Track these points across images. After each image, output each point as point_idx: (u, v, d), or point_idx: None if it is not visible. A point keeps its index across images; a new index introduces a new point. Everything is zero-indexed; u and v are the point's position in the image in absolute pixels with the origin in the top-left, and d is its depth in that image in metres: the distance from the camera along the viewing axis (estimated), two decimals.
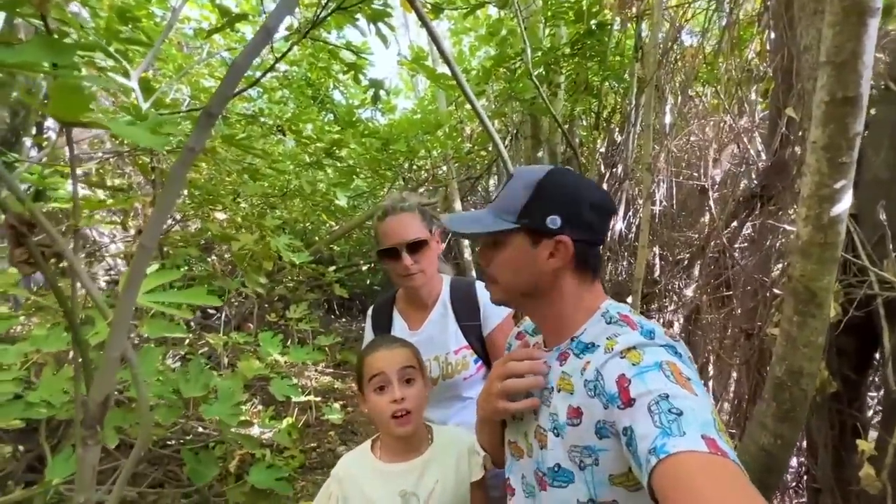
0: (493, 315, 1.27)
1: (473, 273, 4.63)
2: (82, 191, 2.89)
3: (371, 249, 7.85)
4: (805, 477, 1.92)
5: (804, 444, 1.83)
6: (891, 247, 1.44)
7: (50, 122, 3.43)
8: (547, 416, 0.74)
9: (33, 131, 3.11)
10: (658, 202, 2.98)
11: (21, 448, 2.08)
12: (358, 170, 3.62)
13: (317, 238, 5.41)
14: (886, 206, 1.48)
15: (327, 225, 6.35)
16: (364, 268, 7.34)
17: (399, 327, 1.32)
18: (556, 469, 0.71)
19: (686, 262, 2.95)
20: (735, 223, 2.58)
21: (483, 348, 1.28)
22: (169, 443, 2.65)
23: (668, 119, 3.31)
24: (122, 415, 1.59)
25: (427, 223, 1.27)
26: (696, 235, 2.86)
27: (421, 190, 5.32)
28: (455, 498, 0.98)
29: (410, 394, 0.97)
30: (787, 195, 2.12)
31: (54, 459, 1.44)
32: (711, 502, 0.46)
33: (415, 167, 4.86)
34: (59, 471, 1.38)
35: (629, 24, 3.29)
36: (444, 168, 4.70)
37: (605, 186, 3.78)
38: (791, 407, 1.33)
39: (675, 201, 3.04)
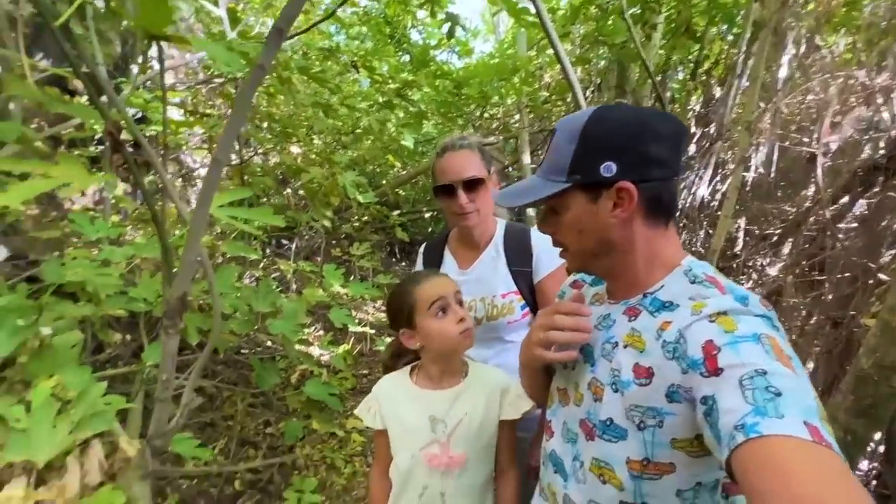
0: (546, 263, 1.23)
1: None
2: (177, 117, 3.14)
3: (433, 198, 7.90)
4: (874, 482, 1.76)
5: (880, 448, 1.65)
6: None
7: (153, 52, 3.70)
8: (607, 371, 0.71)
9: (140, 59, 3.38)
10: (753, 168, 2.66)
11: (128, 337, 2.45)
12: (428, 114, 3.56)
13: (384, 182, 5.52)
14: None
15: (395, 169, 6.46)
16: (427, 215, 7.46)
17: (449, 265, 1.33)
18: (607, 423, 0.68)
19: (775, 238, 2.65)
20: (846, 198, 2.25)
21: (532, 295, 1.25)
22: (242, 351, 2.99)
23: (783, 73, 2.86)
24: (202, 318, 1.79)
25: (486, 162, 1.24)
26: (794, 209, 2.54)
27: (490, 138, 5.17)
28: (481, 431, 1.00)
29: (466, 313, 1.03)
30: None
31: (150, 346, 1.67)
32: (809, 490, 0.42)
33: (486, 115, 4.70)
34: (152, 356, 1.60)
35: None
36: (517, 117, 4.49)
37: (692, 147, 3.43)
38: (872, 403, 1.20)
39: (774, 169, 2.68)
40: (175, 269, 1.13)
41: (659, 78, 4.10)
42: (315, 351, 3.37)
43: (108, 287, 1.64)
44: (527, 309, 1.26)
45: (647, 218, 0.69)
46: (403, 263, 7.99)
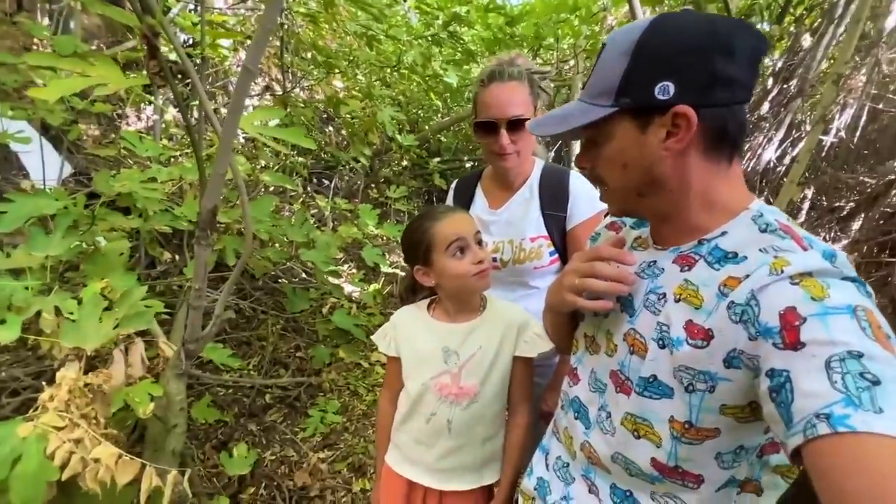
0: (582, 209, 1.16)
1: None
2: (226, 44, 3.12)
3: (477, 148, 7.70)
4: None
5: None
6: None
7: None
8: (652, 324, 0.63)
9: None
10: (834, 131, 2.38)
11: (177, 256, 2.60)
12: (477, 53, 3.35)
13: (426, 127, 5.39)
14: None
15: (438, 115, 6.27)
16: (468, 164, 7.31)
17: (480, 205, 1.28)
18: (650, 380, 0.62)
19: (846, 212, 2.41)
20: None
21: (563, 242, 1.20)
22: (280, 280, 3.13)
23: (891, 22, 2.46)
24: (239, 241, 1.86)
25: (534, 96, 1.15)
26: (874, 181, 2.27)
27: (545, 67, 4.86)
28: (494, 366, 1.01)
29: (486, 254, 1.01)
30: None
31: (191, 262, 1.77)
32: None
33: (539, 59, 4.40)
34: (191, 269, 1.69)
35: None
36: (572, 63, 4.18)
37: (766, 105, 3.09)
38: None
39: (859, 133, 2.39)
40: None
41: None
42: (347, 287, 3.49)
43: (153, 202, 1.72)
44: (556, 255, 1.21)
45: (706, 151, 0.58)
46: None
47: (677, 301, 0.61)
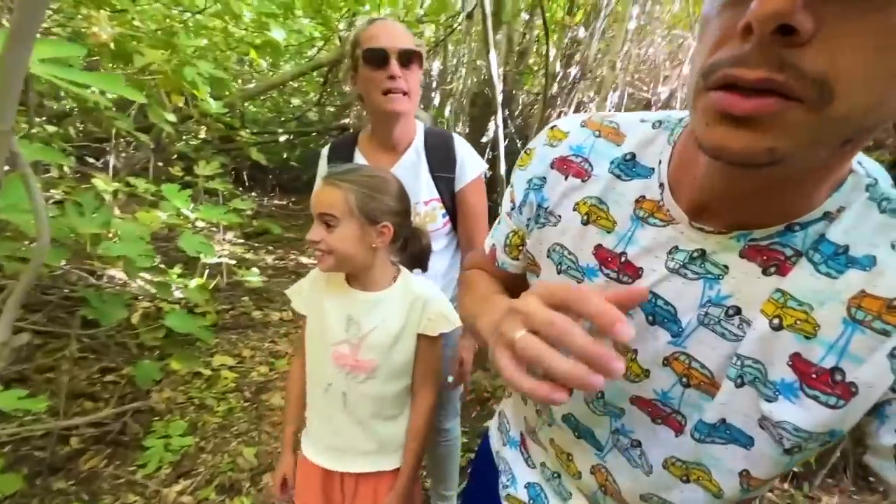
0: (469, 169, 1.20)
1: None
2: None
3: (289, 121, 7.07)
4: None
5: None
6: None
7: None
8: (723, 353, 0.43)
9: None
10: (608, 109, 3.02)
11: None
12: (296, 7, 3.01)
13: (228, 78, 4.67)
14: None
15: (238, 81, 5.48)
16: (282, 139, 6.66)
17: None
18: (716, 426, 0.45)
19: None
20: None
21: (452, 203, 1.23)
22: (50, 290, 2.33)
23: (632, 24, 3.22)
24: (11, 245, 1.29)
25: (417, 43, 1.11)
26: None
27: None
28: (395, 342, 0.96)
29: (328, 239, 0.88)
30: None
31: None
32: None
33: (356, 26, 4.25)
34: None
35: None
36: None
37: (555, 88, 3.70)
38: None
39: (623, 111, 3.10)
40: None
41: (528, 15, 4.24)
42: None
43: None
44: (447, 217, 1.24)
45: None
46: (253, 193, 7.13)
47: (778, 328, 0.40)
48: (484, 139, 4.27)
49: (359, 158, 1.22)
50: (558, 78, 3.70)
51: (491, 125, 4.14)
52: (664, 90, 3.14)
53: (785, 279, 0.40)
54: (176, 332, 1.82)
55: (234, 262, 3.41)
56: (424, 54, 1.13)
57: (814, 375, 0.39)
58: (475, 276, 0.68)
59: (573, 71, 3.49)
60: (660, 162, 0.47)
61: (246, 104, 5.07)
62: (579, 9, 4.00)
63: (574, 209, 0.52)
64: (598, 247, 0.50)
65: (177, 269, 2.85)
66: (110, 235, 1.77)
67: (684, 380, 0.46)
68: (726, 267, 0.42)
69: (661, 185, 0.46)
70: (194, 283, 2.70)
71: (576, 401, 0.54)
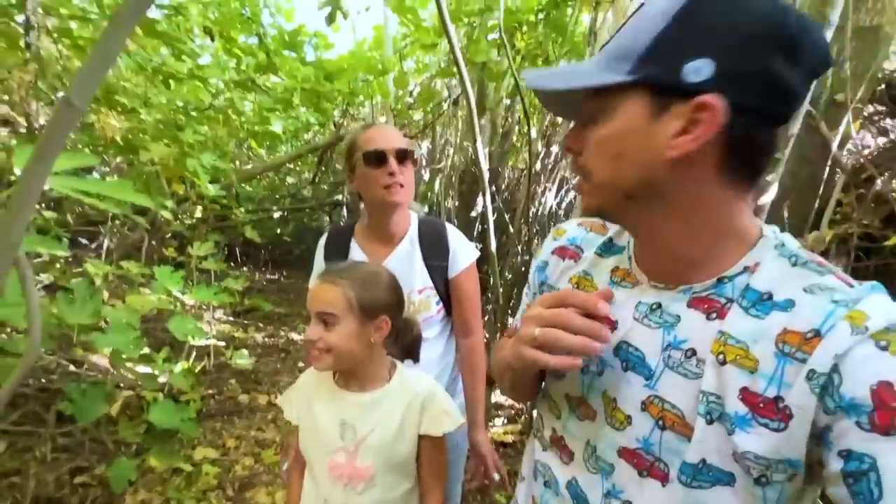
0: (462, 258, 1.24)
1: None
2: None
3: (283, 197, 7.29)
4: None
5: None
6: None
7: None
8: (689, 392, 0.50)
9: None
10: None
11: None
12: (294, 102, 3.25)
13: (228, 168, 4.88)
14: (788, 207, 1.74)
15: (237, 162, 5.73)
16: (275, 216, 6.82)
17: (359, 259, 1.23)
18: (699, 466, 0.49)
19: None
20: None
21: (446, 290, 1.25)
22: (28, 381, 2.22)
23: None
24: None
25: (409, 143, 1.20)
26: None
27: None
28: (394, 444, 0.92)
29: (327, 337, 0.87)
30: None
31: None
32: None
33: (350, 113, 4.56)
34: None
35: (586, 8, 3.37)
36: (383, 119, 4.48)
37: (538, 165, 3.92)
38: None
39: None
40: None
41: (508, 101, 4.61)
42: (140, 370, 2.73)
43: None
44: (441, 304, 1.25)
45: (723, 167, 0.47)
46: (245, 269, 7.14)
47: (723, 363, 0.48)
48: (473, 213, 4.43)
49: (355, 248, 1.26)
50: (541, 156, 3.93)
51: (479, 200, 4.32)
52: None
53: (724, 322, 0.49)
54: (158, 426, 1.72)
55: (222, 343, 3.32)
56: (417, 152, 1.22)
57: (761, 405, 0.46)
58: (504, 341, 0.78)
59: (554, 150, 3.72)
60: (629, 242, 0.62)
61: (242, 184, 5.26)
62: None
63: (568, 282, 0.67)
64: None
65: (163, 353, 2.77)
66: (100, 324, 1.75)
67: (660, 422, 0.52)
68: (678, 316, 0.53)
69: (630, 258, 0.61)
70: (180, 367, 2.61)
71: (577, 463, 0.61)
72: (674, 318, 0.53)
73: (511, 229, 3.51)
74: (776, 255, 0.50)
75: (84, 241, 4.43)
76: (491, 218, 2.22)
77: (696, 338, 0.51)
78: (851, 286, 0.46)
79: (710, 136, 0.44)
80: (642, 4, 0.49)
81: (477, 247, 1.36)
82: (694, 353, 0.50)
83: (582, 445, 0.60)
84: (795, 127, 1.33)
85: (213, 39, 2.56)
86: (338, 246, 1.26)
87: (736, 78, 0.43)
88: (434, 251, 1.24)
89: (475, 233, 4.32)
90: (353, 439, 0.91)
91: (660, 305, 0.54)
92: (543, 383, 0.72)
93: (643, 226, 0.54)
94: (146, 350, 2.86)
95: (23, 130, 2.42)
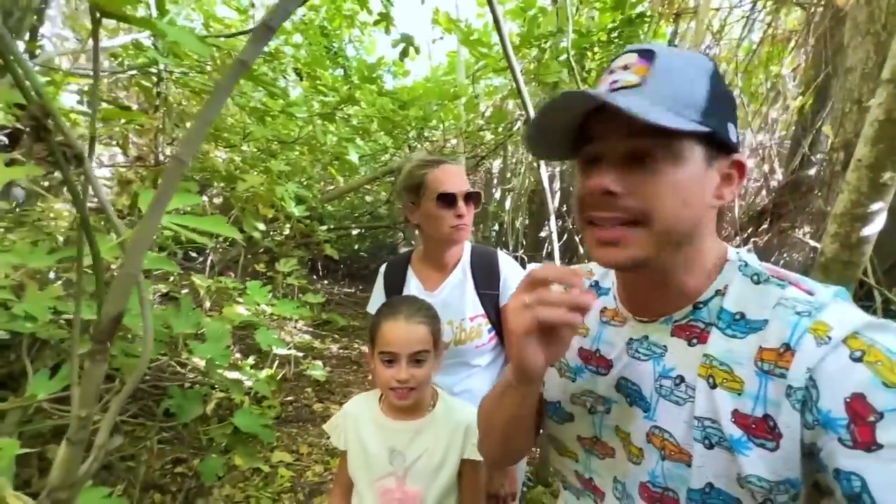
0: (513, 285, 1.24)
1: None
2: (79, 105, 2.72)
3: (362, 215, 7.76)
4: None
5: None
6: None
7: (45, 30, 3.19)
8: (682, 419, 0.51)
9: (27, 36, 2.89)
10: None
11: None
12: (371, 130, 3.50)
13: (310, 195, 5.33)
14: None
15: (321, 184, 6.22)
16: (354, 232, 7.26)
17: (414, 287, 1.29)
18: (706, 491, 0.49)
19: None
20: (737, 239, 2.63)
21: (498, 318, 1.26)
22: (145, 378, 2.59)
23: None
24: (126, 346, 1.52)
25: (473, 185, 1.26)
26: None
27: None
28: (441, 469, 0.97)
29: (418, 374, 0.94)
30: (799, 214, 2.15)
31: (37, 375, 1.38)
32: None
33: (424, 136, 4.76)
34: (43, 386, 1.32)
35: (665, 22, 3.23)
36: (454, 142, 4.61)
37: None
38: None
39: None
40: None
41: None
42: (231, 374, 3.05)
43: None
44: (493, 332, 1.27)
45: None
46: (326, 282, 7.66)
47: (714, 387, 0.49)
48: (542, 233, 4.35)
49: (411, 277, 1.32)
50: None
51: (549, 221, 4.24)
52: None
53: (706, 345, 0.51)
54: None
55: (301, 353, 3.59)
56: (482, 194, 1.27)
57: (753, 426, 0.46)
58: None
59: None
60: (613, 283, 0.65)
61: (325, 204, 5.70)
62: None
63: None
64: (581, 349, 0.65)
65: (250, 360, 3.07)
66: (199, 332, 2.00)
67: (662, 453, 0.53)
68: (665, 346, 0.55)
69: (615, 298, 0.63)
70: (264, 374, 2.87)
71: (609, 501, 0.61)
72: (661, 349, 0.55)
73: (581, 251, 3.41)
74: (741, 277, 0.53)
75: (194, 254, 5.06)
76: (556, 241, 2.19)
77: (682, 364, 0.53)
78: (812, 294, 0.48)
79: (739, 188, 0.53)
80: (653, 54, 0.51)
81: None
82: (682, 379, 0.52)
83: (610, 483, 0.61)
84: None
85: (301, 79, 2.86)
86: (396, 275, 1.34)
87: (736, 138, 0.52)
88: (486, 279, 1.26)
89: (544, 252, 4.24)
90: (403, 465, 0.96)
91: (646, 338, 0.57)
92: (541, 430, 0.70)
93: (666, 268, 0.53)
94: (237, 356, 3.18)
95: (150, 163, 2.88)
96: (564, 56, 3.00)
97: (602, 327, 0.63)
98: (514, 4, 3.59)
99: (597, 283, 0.68)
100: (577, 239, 3.91)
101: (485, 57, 2.53)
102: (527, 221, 4.92)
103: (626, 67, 0.51)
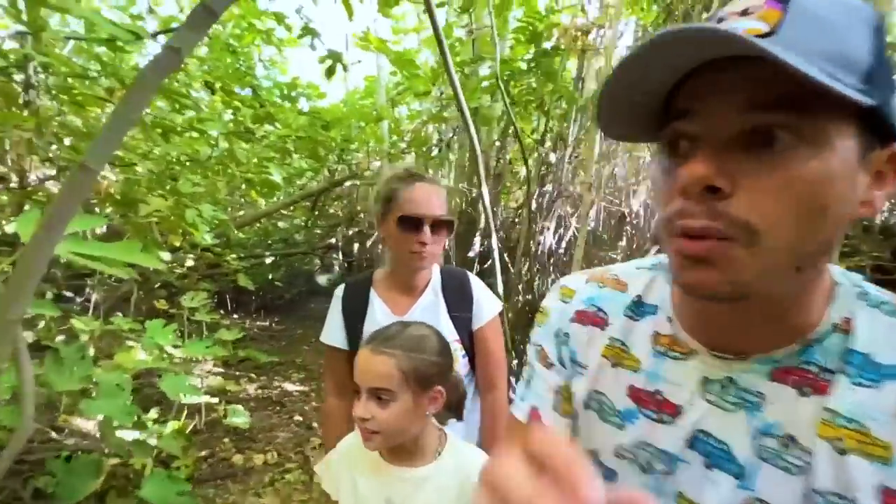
0: (487, 308, 1.19)
1: None
2: None
3: (276, 242, 7.25)
4: None
5: None
6: None
7: None
8: (798, 492, 0.39)
9: None
10: (588, 224, 3.19)
11: None
12: (292, 150, 3.29)
13: (227, 219, 4.86)
14: None
15: (229, 209, 5.71)
16: (268, 261, 6.73)
17: (380, 311, 1.18)
18: None
19: None
20: (654, 249, 2.87)
21: (471, 342, 1.19)
22: (30, 454, 2.04)
23: (597, 148, 3.60)
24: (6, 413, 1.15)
25: (450, 208, 1.17)
26: (619, 256, 3.12)
27: (347, 184, 5.04)
28: None
29: (380, 415, 0.79)
30: None
31: None
32: None
33: (344, 159, 4.62)
34: None
35: (573, 55, 3.53)
36: (377, 164, 4.53)
37: (534, 204, 3.97)
38: None
39: (600, 223, 3.30)
40: None
41: (499, 144, 4.72)
42: (126, 434, 2.55)
43: None
44: (467, 358, 1.19)
45: None
46: (235, 316, 6.96)
47: (843, 453, 0.37)
48: (471, 254, 4.41)
49: (375, 300, 1.20)
50: (535, 195, 3.97)
51: (476, 240, 4.32)
52: (635, 202, 3.39)
53: (829, 397, 0.39)
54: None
55: (214, 399, 3.15)
56: (455, 221, 1.18)
57: None
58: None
59: (549, 188, 3.78)
60: (664, 299, 0.50)
61: (236, 232, 5.20)
62: (545, 133, 4.49)
63: (601, 355, 0.52)
64: (631, 387, 0.49)
65: (153, 413, 2.60)
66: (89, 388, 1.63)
67: None
68: (761, 394, 0.42)
69: (670, 319, 0.48)
70: (170, 428, 2.45)
71: None
72: (755, 397, 0.41)
73: (512, 269, 3.49)
74: (866, 307, 0.40)
75: (70, 294, 4.28)
76: (497, 259, 2.19)
77: (792, 420, 0.40)
78: None
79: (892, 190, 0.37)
80: None
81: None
82: (793, 439, 0.40)
83: None
84: None
85: (213, 93, 2.59)
86: (356, 298, 1.21)
87: None
88: (458, 302, 1.19)
89: (474, 272, 4.29)
90: None
91: (731, 381, 0.43)
92: None
93: (772, 297, 0.39)
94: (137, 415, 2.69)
95: (13, 185, 2.37)
96: (489, 82, 3.11)
97: (658, 359, 0.48)
98: (430, 32, 3.68)
99: (639, 298, 0.52)
100: (505, 257, 4.01)
101: (412, 78, 2.52)
102: (454, 244, 4.96)
103: (745, 13, 0.35)
